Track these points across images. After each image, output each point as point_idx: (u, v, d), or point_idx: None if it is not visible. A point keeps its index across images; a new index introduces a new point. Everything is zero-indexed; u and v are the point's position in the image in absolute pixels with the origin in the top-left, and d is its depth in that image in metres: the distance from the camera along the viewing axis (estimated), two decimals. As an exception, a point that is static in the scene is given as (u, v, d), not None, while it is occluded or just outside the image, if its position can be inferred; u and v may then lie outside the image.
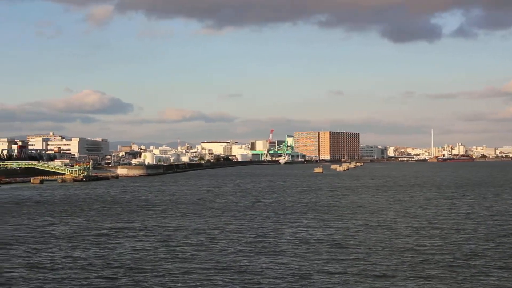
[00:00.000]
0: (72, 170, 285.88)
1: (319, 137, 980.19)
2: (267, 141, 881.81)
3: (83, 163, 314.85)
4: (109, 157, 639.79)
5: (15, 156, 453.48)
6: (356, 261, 71.47)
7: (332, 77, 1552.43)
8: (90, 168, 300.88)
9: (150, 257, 74.56)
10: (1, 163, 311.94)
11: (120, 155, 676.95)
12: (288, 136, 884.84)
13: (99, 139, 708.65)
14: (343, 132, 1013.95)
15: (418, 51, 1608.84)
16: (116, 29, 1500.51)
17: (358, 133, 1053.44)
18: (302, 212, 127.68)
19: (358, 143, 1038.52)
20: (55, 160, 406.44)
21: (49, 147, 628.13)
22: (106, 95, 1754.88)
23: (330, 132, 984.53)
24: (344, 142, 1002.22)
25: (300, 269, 67.14)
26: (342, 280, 61.91)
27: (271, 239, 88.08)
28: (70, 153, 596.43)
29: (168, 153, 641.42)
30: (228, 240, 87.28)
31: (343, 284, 60.46)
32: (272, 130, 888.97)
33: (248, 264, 70.14)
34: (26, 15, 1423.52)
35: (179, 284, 60.82)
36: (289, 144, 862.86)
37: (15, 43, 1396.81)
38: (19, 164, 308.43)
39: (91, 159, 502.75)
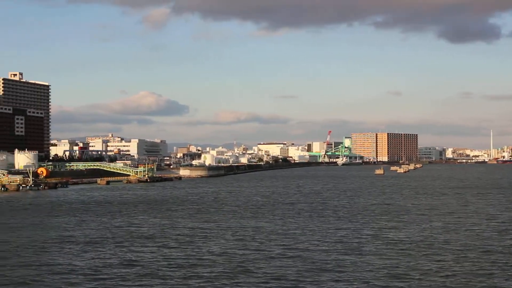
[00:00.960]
0: (137, 171, 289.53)
1: (376, 138, 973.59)
2: (324, 142, 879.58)
3: (147, 164, 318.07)
4: (168, 158, 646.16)
5: (76, 157, 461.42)
6: (446, 261, 71.10)
7: (389, 78, 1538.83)
8: (154, 169, 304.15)
9: (240, 257, 75.19)
10: (67, 164, 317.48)
11: (178, 156, 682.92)
12: (345, 137, 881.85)
13: (158, 141, 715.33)
14: (401, 134, 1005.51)
15: (475, 51, 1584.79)
16: (172, 31, 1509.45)
17: (416, 135, 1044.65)
18: (381, 213, 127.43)
19: (416, 144, 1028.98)
20: (117, 161, 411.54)
21: (108, 148, 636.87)
22: (162, 97, 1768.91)
23: (387, 134, 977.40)
24: (401, 144, 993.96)
25: (392, 269, 67.05)
26: (439, 281, 61.68)
27: (354, 240, 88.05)
28: (129, 154, 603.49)
29: (225, 154, 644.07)
30: (313, 241, 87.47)
31: (441, 285, 60.23)
32: (330, 131, 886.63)
33: (338, 263, 70.25)
34: (83, 18, 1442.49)
35: (273, 284, 61.32)
36: (346, 146, 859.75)
37: (73, 46, 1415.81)
38: (85, 165, 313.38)
39: (150, 160, 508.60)
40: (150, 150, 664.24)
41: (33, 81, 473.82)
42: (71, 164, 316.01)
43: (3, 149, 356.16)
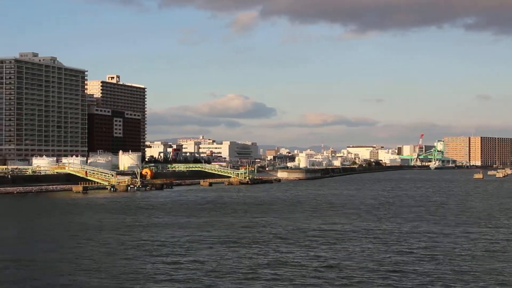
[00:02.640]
0: (237, 173, 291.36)
1: (469, 142, 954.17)
2: (417, 146, 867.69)
3: (248, 166, 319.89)
4: (259, 160, 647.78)
5: (170, 159, 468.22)
6: None
7: (479, 82, 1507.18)
8: (255, 171, 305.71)
9: (388, 259, 74.35)
10: (169, 165, 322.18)
11: (268, 158, 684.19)
12: (438, 141, 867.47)
13: (249, 143, 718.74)
14: (495, 138, 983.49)
15: None
16: (260, 34, 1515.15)
17: (511, 139, 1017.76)
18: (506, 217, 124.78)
19: (511, 148, 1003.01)
20: (212, 163, 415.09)
21: (200, 150, 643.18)
22: (249, 99, 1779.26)
23: (481, 137, 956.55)
24: (495, 148, 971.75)
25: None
26: None
27: (494, 244, 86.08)
28: (221, 156, 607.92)
29: (314, 157, 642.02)
30: (453, 244, 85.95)
31: None
32: (422, 135, 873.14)
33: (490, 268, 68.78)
34: (173, 22, 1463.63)
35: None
36: (439, 149, 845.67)
37: (163, 49, 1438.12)
38: (186, 167, 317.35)
39: (242, 162, 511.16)
40: (241, 152, 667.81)
41: (129, 84, 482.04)
42: (173, 166, 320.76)
43: (102, 149, 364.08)
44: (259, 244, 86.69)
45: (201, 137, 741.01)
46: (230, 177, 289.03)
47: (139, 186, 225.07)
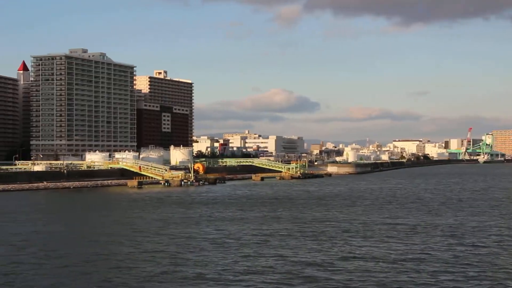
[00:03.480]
0: (289, 168, 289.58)
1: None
2: (464, 139, 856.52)
3: (299, 161, 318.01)
4: (305, 155, 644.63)
5: (217, 153, 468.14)
6: None
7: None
8: (306, 166, 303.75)
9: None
10: (219, 160, 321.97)
11: (314, 153, 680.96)
12: (486, 134, 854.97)
13: (295, 137, 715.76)
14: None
15: None
16: (303, 28, 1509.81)
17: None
18: None
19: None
20: (260, 157, 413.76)
21: (246, 144, 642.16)
22: (293, 93, 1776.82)
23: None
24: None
25: None
26: None
27: None
28: (267, 151, 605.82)
29: (360, 151, 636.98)
30: None
31: None
32: (471, 128, 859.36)
33: None
34: (217, 17, 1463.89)
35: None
36: (487, 143, 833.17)
37: (207, 44, 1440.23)
38: (237, 162, 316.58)
39: (288, 156, 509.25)
40: (287, 146, 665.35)
41: (177, 79, 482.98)
42: (223, 160, 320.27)
43: (151, 144, 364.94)
44: (329, 238, 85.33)
45: (246, 132, 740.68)
46: (281, 171, 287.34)
47: (192, 181, 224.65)
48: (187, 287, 57.24)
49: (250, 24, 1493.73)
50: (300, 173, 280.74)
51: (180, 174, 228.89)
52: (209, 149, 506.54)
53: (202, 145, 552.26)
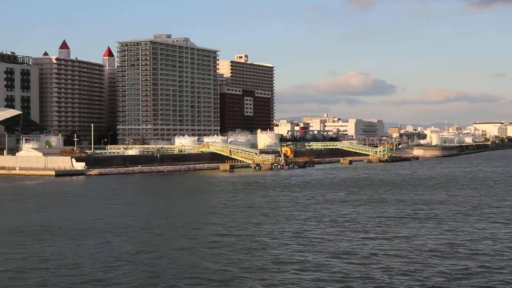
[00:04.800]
0: (376, 151, 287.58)
1: None
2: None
3: (387, 144, 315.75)
4: (385, 138, 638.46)
5: (298, 137, 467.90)
6: None
7: None
8: (394, 149, 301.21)
9: None
10: (306, 143, 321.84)
11: (394, 136, 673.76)
12: None
13: (375, 120, 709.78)
14: None
15: None
16: (380, 10, 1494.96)
17: None
18: None
19: None
20: (343, 141, 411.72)
21: (326, 128, 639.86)
22: (370, 76, 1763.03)
23: None
24: None
25: None
26: None
27: None
28: (347, 134, 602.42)
29: (440, 134, 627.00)
30: None
31: None
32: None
33: None
34: (295, 0, 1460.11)
35: None
36: None
37: (282, 28, 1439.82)
38: (324, 145, 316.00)
39: (368, 139, 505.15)
40: (367, 130, 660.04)
41: (257, 63, 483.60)
42: (310, 144, 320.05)
43: (233, 129, 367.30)
44: (443, 220, 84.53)
45: (325, 115, 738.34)
46: (367, 154, 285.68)
47: (282, 164, 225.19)
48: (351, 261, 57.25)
49: (327, 7, 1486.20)
50: (387, 156, 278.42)
51: (270, 157, 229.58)
52: (290, 132, 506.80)
53: (282, 128, 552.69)
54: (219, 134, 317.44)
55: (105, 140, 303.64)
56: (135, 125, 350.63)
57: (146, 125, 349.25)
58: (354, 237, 73.22)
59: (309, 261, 59.68)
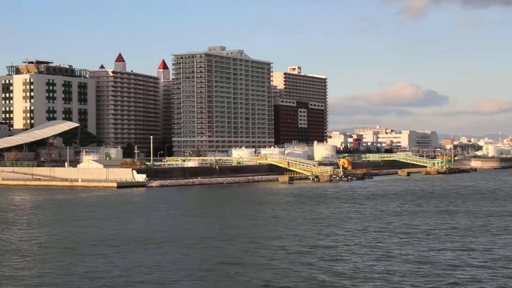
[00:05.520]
0: (434, 163, 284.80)
1: None
2: None
3: (444, 155, 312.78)
4: (439, 149, 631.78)
5: (351, 149, 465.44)
6: None
7: None
8: (452, 161, 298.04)
9: None
10: (363, 155, 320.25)
11: (448, 147, 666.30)
12: None
13: (428, 132, 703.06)
14: None
15: None
16: (431, 20, 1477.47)
17: None
18: None
19: None
20: (398, 153, 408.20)
21: (378, 139, 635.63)
22: (421, 88, 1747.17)
23: None
24: None
25: None
26: None
27: None
28: (400, 146, 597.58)
29: (496, 145, 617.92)
30: None
31: None
32: None
33: None
34: (345, 11, 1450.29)
35: None
36: None
37: (335, 39, 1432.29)
38: (380, 157, 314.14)
39: (422, 151, 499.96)
40: (420, 141, 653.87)
41: (310, 75, 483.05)
42: (366, 156, 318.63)
43: (287, 140, 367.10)
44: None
45: (377, 127, 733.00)
46: (425, 166, 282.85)
47: (341, 176, 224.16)
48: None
49: (376, 17, 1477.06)
50: (446, 168, 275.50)
51: (329, 169, 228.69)
52: (343, 144, 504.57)
53: (335, 140, 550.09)
54: (275, 146, 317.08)
55: (162, 152, 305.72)
56: (190, 137, 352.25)
57: (201, 137, 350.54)
58: (432, 247, 72.54)
59: (395, 271, 59.24)
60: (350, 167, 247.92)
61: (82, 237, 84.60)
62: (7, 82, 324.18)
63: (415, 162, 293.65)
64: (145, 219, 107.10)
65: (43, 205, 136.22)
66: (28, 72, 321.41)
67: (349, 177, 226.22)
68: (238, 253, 70.94)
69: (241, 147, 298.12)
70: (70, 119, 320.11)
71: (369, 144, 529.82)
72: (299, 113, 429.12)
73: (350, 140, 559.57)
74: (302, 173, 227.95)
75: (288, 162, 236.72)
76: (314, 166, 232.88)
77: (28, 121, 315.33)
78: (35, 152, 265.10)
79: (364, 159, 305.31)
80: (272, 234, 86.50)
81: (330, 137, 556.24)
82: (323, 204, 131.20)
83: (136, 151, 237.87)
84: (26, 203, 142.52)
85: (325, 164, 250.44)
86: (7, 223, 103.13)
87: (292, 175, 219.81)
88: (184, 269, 62.26)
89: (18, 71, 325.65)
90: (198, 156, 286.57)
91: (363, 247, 74.06)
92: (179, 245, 76.73)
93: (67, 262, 66.56)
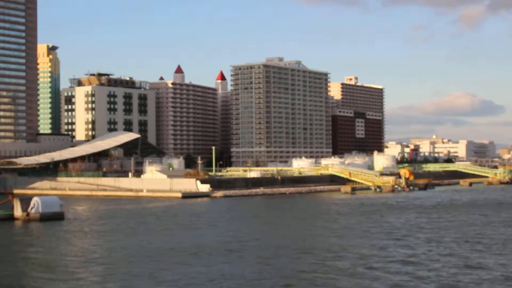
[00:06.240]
0: (496, 173, 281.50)
1: None
2: None
3: (506, 166, 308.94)
4: (497, 159, 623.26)
5: (407, 159, 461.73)
6: None
7: None
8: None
9: None
10: (423, 165, 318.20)
11: (507, 157, 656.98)
12: None
13: (486, 142, 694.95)
14: None
15: None
16: (488, 29, 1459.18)
17: None
18: None
19: None
20: (456, 162, 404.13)
21: (435, 149, 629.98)
22: (477, 97, 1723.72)
23: None
24: None
25: None
26: None
27: None
28: (457, 156, 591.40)
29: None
30: None
31: None
32: None
33: None
34: (398, 21, 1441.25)
35: None
36: None
37: (388, 49, 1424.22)
38: (441, 167, 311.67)
39: (480, 161, 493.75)
40: (478, 151, 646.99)
41: (367, 85, 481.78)
42: (427, 166, 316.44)
43: (345, 151, 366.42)
44: None
45: (434, 136, 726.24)
46: (487, 176, 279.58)
47: (403, 186, 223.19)
48: None
49: (432, 26, 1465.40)
50: (508, 178, 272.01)
51: (391, 179, 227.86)
52: (400, 154, 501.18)
53: (391, 150, 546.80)
54: (335, 156, 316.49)
55: (221, 162, 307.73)
56: (248, 147, 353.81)
57: (260, 147, 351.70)
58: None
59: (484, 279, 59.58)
60: (412, 178, 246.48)
61: (167, 245, 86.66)
62: (69, 94, 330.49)
63: (476, 173, 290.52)
64: (217, 228, 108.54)
65: (115, 214, 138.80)
66: (90, 84, 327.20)
67: (411, 187, 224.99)
68: (317, 262, 71.76)
69: (301, 157, 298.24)
70: (130, 130, 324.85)
71: (426, 154, 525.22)
72: (356, 123, 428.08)
73: (406, 150, 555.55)
74: (363, 183, 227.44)
75: (350, 173, 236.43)
76: (376, 176, 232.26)
77: (90, 132, 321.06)
78: (97, 163, 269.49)
79: (424, 169, 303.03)
80: (348, 243, 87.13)
81: (387, 147, 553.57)
82: (392, 214, 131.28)
83: (199, 162, 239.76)
84: (100, 213, 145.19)
85: (386, 175, 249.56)
86: (83, 231, 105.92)
87: (355, 186, 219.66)
88: (267, 278, 63.32)
89: (80, 83, 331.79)
90: (257, 166, 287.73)
91: (442, 256, 74.36)
92: (256, 254, 77.80)
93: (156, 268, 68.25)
